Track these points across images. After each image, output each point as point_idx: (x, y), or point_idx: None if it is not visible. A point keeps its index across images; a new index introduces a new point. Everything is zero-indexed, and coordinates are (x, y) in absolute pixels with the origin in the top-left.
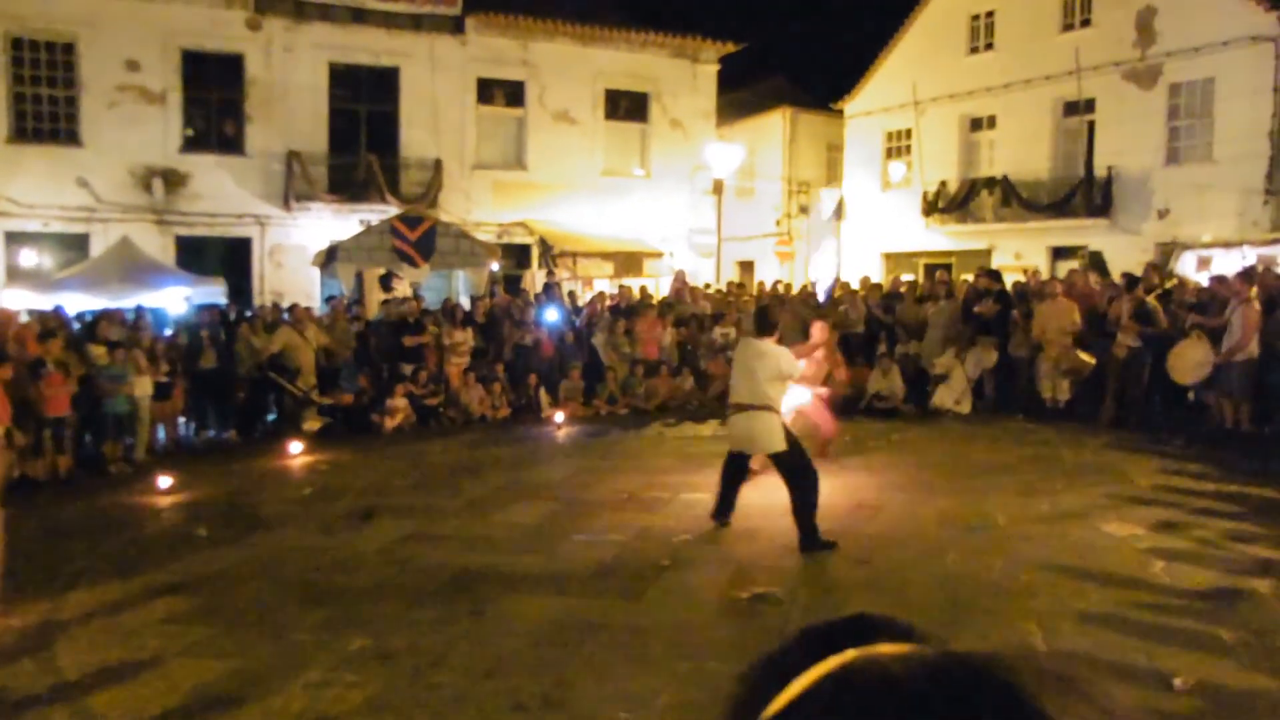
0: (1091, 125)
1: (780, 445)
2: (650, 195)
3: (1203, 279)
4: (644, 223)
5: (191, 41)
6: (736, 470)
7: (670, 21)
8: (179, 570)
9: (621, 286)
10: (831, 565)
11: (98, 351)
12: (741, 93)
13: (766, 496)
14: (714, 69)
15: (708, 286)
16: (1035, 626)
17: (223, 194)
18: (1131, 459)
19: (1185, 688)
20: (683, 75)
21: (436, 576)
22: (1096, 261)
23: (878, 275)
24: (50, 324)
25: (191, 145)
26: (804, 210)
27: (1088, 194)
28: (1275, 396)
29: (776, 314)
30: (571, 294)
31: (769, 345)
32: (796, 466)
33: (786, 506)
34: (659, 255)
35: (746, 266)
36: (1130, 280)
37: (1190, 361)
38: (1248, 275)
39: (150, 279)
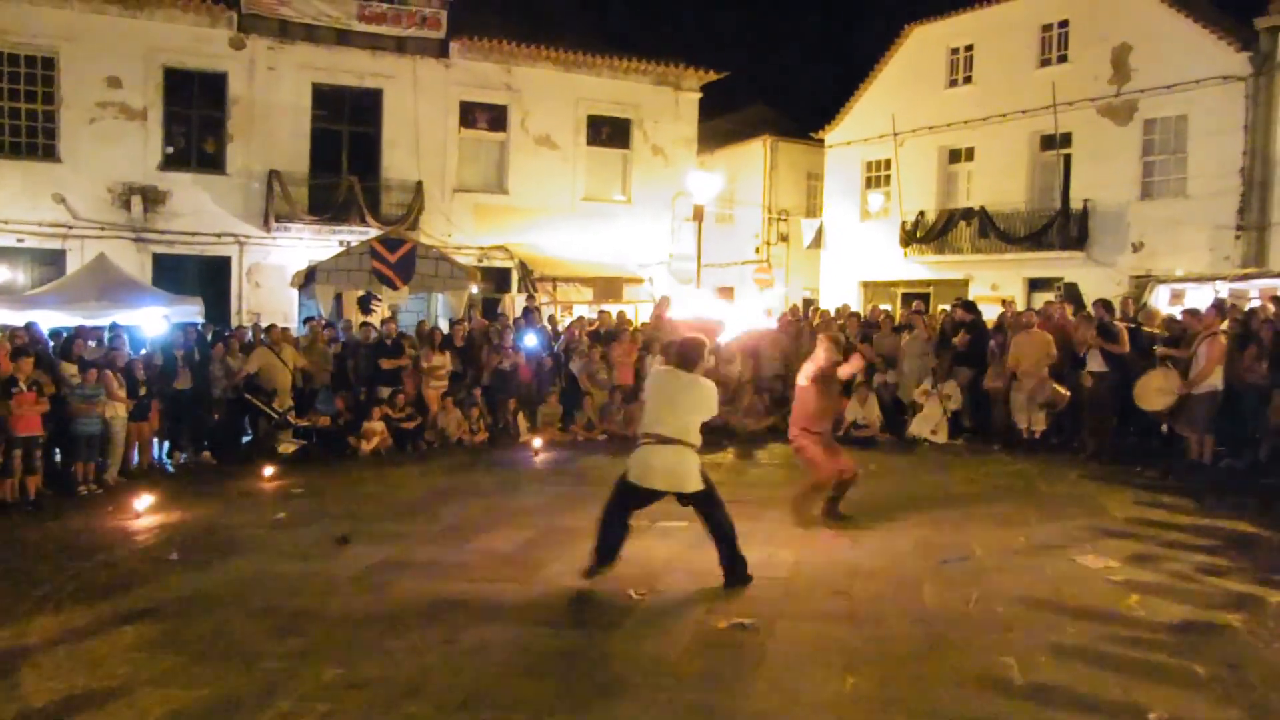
0: (1068, 159)
1: (700, 484)
2: (631, 221)
3: (1175, 312)
4: (624, 248)
5: (174, 59)
6: (636, 507)
7: (653, 49)
8: (149, 596)
9: (601, 312)
10: (809, 595)
11: (70, 370)
12: (723, 120)
13: (738, 525)
14: (696, 96)
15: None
16: (1012, 660)
17: (202, 212)
18: (1107, 491)
19: None
20: (665, 102)
21: (411, 604)
22: (1072, 293)
23: (856, 304)
24: (22, 341)
25: (171, 163)
26: (784, 238)
27: (1064, 226)
28: (1246, 430)
29: (701, 348)
30: (551, 319)
31: (697, 379)
32: (715, 501)
33: (764, 536)
34: (639, 281)
35: (726, 293)
36: (1105, 304)
37: (1154, 390)
38: (1219, 308)
39: (127, 297)
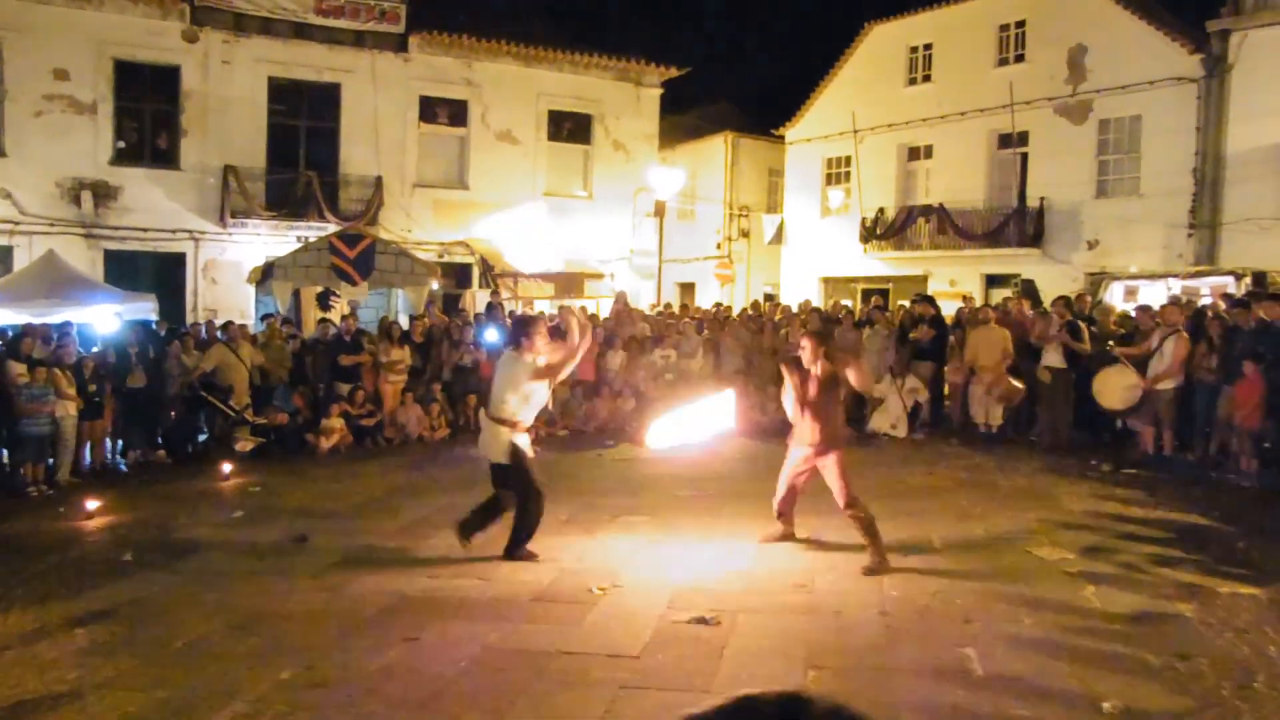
0: (1025, 157)
1: (503, 458)
2: (592, 216)
3: (1129, 309)
4: (585, 244)
5: (125, 52)
6: (493, 482)
7: (614, 44)
8: (101, 598)
9: (561, 307)
10: (770, 589)
11: (18, 370)
12: (684, 116)
13: (699, 519)
14: (657, 92)
15: (654, 307)
16: (971, 650)
17: (155, 208)
18: (1062, 484)
19: (1114, 711)
20: (626, 98)
21: (371, 602)
22: (1029, 290)
23: (817, 300)
24: None
25: (123, 157)
26: (745, 234)
27: (1020, 224)
28: (1197, 424)
29: (533, 325)
30: (512, 314)
31: (516, 357)
32: (521, 480)
33: (725, 530)
34: (600, 276)
35: (687, 288)
36: (1067, 301)
37: (1118, 387)
38: (1178, 305)
39: (78, 294)
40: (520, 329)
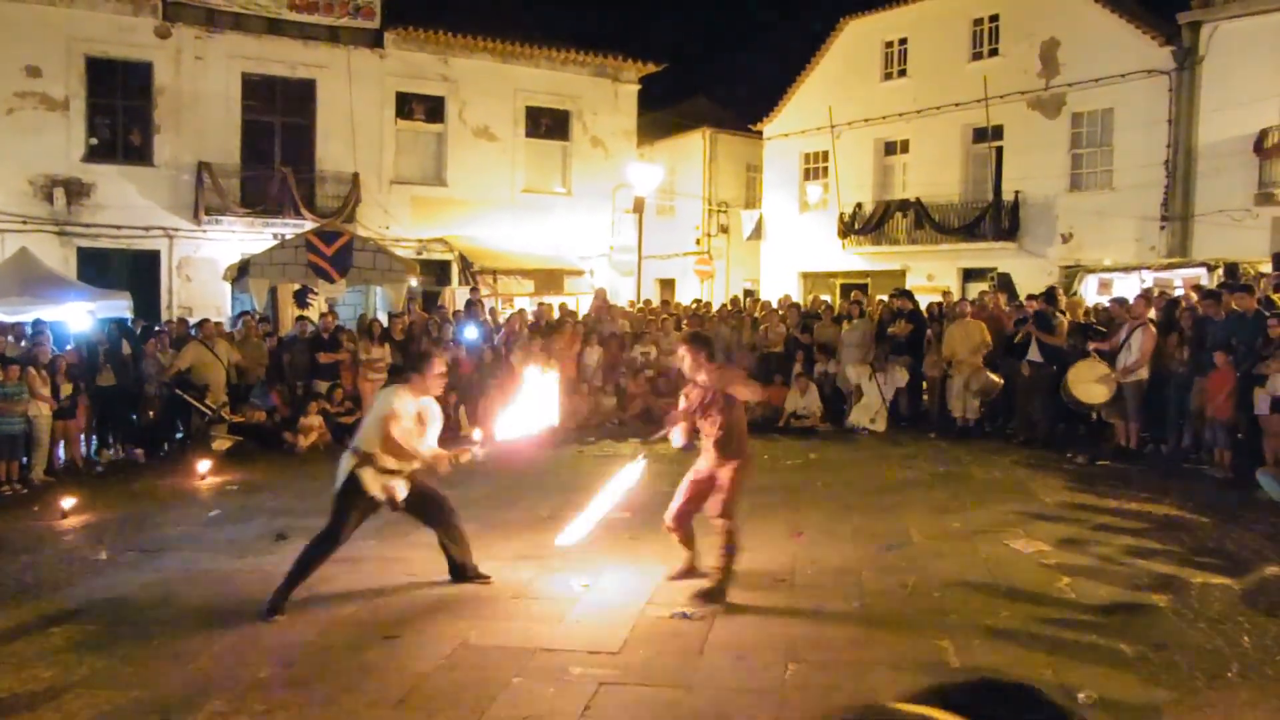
0: (999, 151)
1: (337, 484)
2: (571, 213)
3: (1104, 301)
4: (564, 240)
5: (96, 48)
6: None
7: (591, 40)
8: (77, 596)
9: (540, 304)
10: (750, 584)
11: None
12: (662, 113)
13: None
14: (635, 88)
15: (633, 304)
16: (948, 643)
17: (129, 205)
18: (1038, 477)
19: (1090, 701)
20: (604, 94)
21: (350, 600)
22: (1005, 283)
23: (796, 295)
24: None
25: (96, 154)
26: (724, 229)
27: (996, 218)
28: (1169, 416)
29: (423, 360)
30: (492, 311)
31: (385, 393)
32: (330, 519)
33: (704, 526)
34: (579, 273)
35: (667, 285)
36: (1047, 295)
37: (1091, 381)
38: (1146, 298)
39: (51, 292)
40: (417, 361)
